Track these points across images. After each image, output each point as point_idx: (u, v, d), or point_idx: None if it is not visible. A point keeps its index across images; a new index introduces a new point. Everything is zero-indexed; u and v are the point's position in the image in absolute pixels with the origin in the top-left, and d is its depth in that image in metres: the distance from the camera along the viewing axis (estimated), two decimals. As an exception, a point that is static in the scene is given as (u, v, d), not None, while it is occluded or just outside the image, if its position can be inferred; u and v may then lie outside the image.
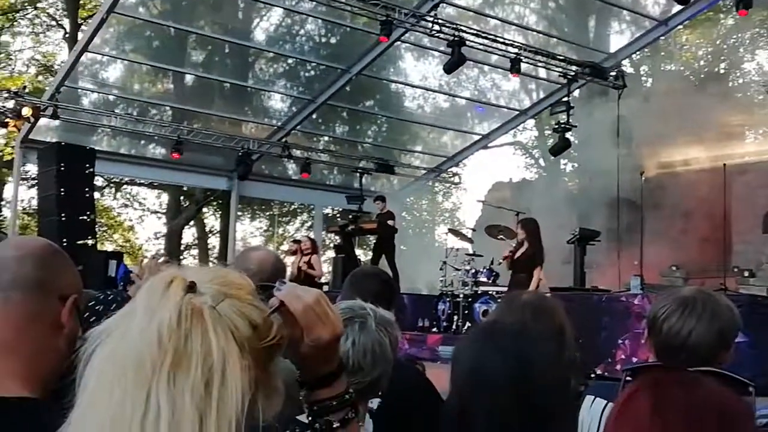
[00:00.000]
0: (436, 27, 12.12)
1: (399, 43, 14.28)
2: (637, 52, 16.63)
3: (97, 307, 2.67)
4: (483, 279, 11.01)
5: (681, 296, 2.30)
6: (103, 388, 0.96)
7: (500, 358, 1.88)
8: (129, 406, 0.93)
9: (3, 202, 27.40)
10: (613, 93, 14.31)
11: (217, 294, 1.01)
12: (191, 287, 1.01)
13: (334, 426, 1.26)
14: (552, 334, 2.44)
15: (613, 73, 13.96)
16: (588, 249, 11.38)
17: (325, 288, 12.56)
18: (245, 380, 0.98)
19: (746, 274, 14.50)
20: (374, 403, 2.55)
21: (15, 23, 27.73)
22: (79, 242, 11.72)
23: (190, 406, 0.94)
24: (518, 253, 9.78)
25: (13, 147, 17.21)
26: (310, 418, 1.27)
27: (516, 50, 12.90)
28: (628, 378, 1.64)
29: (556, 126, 13.71)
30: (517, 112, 16.92)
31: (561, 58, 13.67)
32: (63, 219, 11.99)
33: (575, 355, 2.55)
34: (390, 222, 13.21)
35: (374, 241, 14.08)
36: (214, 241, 28.72)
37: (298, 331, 1.17)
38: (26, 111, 12.68)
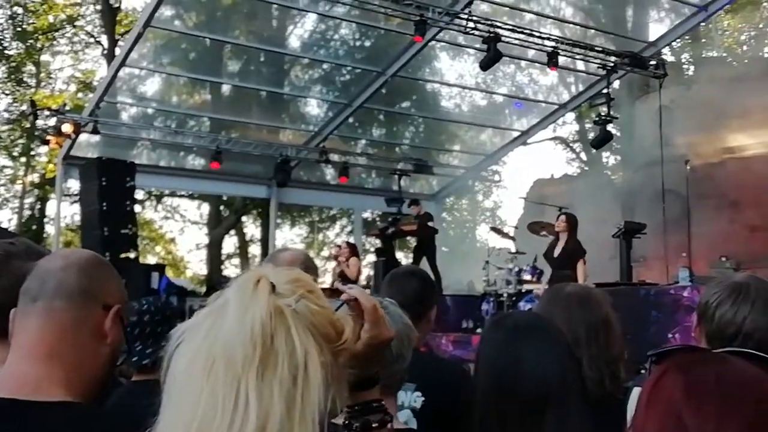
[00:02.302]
0: (471, 24, 11.99)
1: (434, 42, 14.17)
2: (678, 40, 16.28)
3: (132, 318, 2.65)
4: (527, 277, 10.88)
5: (733, 282, 2.19)
6: (192, 384, 1.01)
7: (543, 353, 1.82)
8: (219, 399, 0.98)
9: (46, 219, 28.02)
10: (654, 83, 14.07)
11: (295, 295, 1.07)
12: (272, 288, 1.06)
13: (373, 426, 1.32)
14: (598, 326, 2.37)
15: (653, 63, 13.64)
16: (634, 243, 11.17)
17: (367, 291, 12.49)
18: (325, 376, 1.04)
19: (799, 262, 14.09)
20: (418, 402, 2.50)
21: (54, 42, 28.32)
22: (121, 255, 11.83)
23: (278, 399, 0.99)
24: (558, 249, 9.70)
25: (55, 164, 17.54)
26: (346, 420, 1.33)
27: (553, 44, 12.73)
28: (653, 363, 1.57)
29: (597, 118, 13.58)
30: (557, 107, 16.66)
31: (599, 49, 13.43)
32: (106, 233, 12.09)
33: (623, 349, 2.48)
34: (430, 223, 13.12)
35: (415, 243, 14.00)
36: (255, 250, 28.91)
37: (359, 327, 1.25)
38: (67, 127, 12.75)
